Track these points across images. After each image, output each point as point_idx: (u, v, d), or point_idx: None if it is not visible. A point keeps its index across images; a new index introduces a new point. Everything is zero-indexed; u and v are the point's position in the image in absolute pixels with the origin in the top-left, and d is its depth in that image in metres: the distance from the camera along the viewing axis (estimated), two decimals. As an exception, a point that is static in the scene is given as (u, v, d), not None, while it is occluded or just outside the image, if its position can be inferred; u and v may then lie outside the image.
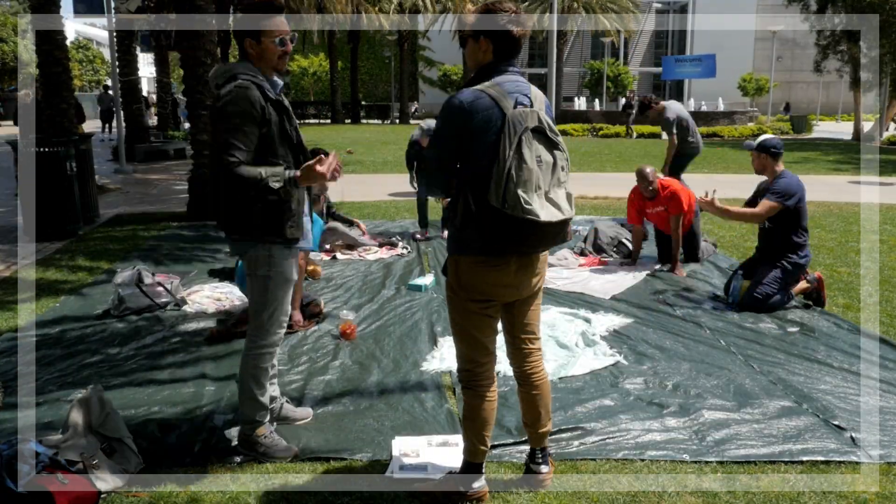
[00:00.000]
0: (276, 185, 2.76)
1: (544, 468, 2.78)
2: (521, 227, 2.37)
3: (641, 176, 6.12)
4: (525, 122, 2.40)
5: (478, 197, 2.41)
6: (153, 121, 24.01)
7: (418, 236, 7.67)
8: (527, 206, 2.34)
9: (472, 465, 2.69)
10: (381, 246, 7.07)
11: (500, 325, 2.71)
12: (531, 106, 2.46)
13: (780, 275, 5.06)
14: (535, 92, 2.53)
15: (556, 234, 2.46)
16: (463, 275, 2.56)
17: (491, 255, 2.48)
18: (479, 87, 2.46)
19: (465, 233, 2.50)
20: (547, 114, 2.52)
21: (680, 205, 6.06)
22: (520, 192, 2.34)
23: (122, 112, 15.09)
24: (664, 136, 9.10)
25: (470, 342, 2.64)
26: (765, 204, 5.00)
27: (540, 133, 2.43)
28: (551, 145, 2.45)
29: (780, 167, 5.16)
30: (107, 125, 25.06)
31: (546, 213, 2.38)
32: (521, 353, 2.74)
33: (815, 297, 5.17)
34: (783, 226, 5.07)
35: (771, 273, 5.07)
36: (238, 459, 3.00)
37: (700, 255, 6.49)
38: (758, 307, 5.02)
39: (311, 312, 4.81)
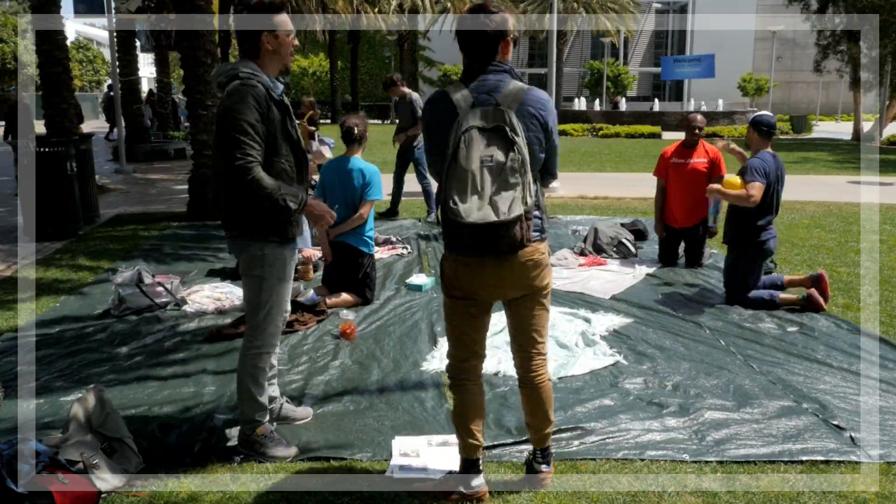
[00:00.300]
0: (293, 206, 2.82)
1: (544, 468, 2.79)
2: (455, 227, 2.39)
3: (689, 118, 6.36)
4: (472, 122, 2.38)
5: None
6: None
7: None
8: (453, 207, 2.33)
9: (468, 463, 2.70)
10: (381, 244, 7.07)
11: (500, 329, 2.72)
12: (497, 105, 2.42)
13: (733, 262, 5.21)
14: (511, 90, 2.46)
15: (491, 236, 2.37)
16: (445, 271, 2.63)
17: (459, 253, 2.53)
18: (450, 85, 2.52)
19: (443, 230, 2.58)
20: (525, 112, 2.45)
21: (720, 167, 6.26)
22: (452, 191, 2.35)
23: (122, 112, 15.08)
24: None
25: (452, 337, 2.70)
26: (755, 187, 4.92)
27: (497, 132, 2.38)
28: (508, 146, 2.38)
29: (766, 147, 5.13)
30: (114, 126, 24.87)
31: (477, 215, 2.32)
32: (522, 358, 2.74)
33: (806, 307, 5.09)
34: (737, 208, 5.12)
35: (729, 264, 5.25)
36: (238, 459, 3.00)
37: (703, 261, 6.49)
38: (738, 300, 5.16)
39: (319, 310, 4.88)
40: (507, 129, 2.38)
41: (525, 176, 2.37)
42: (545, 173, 2.65)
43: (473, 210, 2.32)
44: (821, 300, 5.05)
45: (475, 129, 2.37)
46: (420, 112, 7.31)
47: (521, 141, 2.40)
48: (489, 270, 2.52)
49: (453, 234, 2.50)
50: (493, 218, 2.33)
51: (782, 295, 5.14)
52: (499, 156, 2.36)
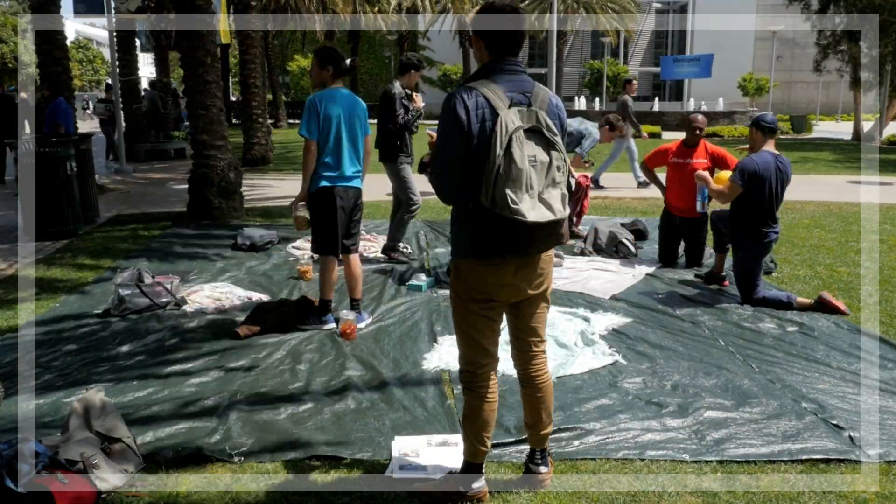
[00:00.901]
0: None
1: (543, 468, 2.79)
2: (511, 227, 2.36)
3: (690, 118, 6.33)
4: (517, 122, 2.39)
5: (474, 197, 2.41)
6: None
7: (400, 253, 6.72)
8: (514, 206, 2.33)
9: (471, 466, 2.69)
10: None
11: (502, 326, 2.71)
12: (529, 105, 2.45)
13: (737, 259, 5.25)
14: (538, 91, 2.52)
15: (547, 235, 2.44)
16: (463, 275, 2.57)
17: (488, 255, 2.48)
18: (474, 84, 2.47)
19: (465, 234, 2.51)
20: (552, 113, 2.51)
21: (728, 164, 6.13)
22: (508, 191, 2.33)
23: (122, 112, 15.07)
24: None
25: (470, 343, 2.64)
26: (730, 187, 5.06)
27: (536, 133, 2.42)
28: (548, 145, 2.43)
29: (767, 146, 5.12)
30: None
31: (535, 214, 2.36)
32: (525, 356, 2.74)
33: (818, 309, 5.07)
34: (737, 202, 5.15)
35: (737, 263, 5.28)
36: (238, 459, 3.00)
37: (703, 261, 6.48)
38: (753, 300, 5.16)
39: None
40: (545, 129, 2.42)
41: (566, 175, 2.46)
42: None
43: (529, 209, 2.35)
44: (836, 303, 4.99)
45: (521, 129, 2.38)
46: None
47: (559, 141, 2.45)
48: (514, 270, 2.52)
49: (485, 235, 2.42)
50: (550, 216, 2.39)
51: (799, 298, 5.13)
52: (542, 156, 2.40)
